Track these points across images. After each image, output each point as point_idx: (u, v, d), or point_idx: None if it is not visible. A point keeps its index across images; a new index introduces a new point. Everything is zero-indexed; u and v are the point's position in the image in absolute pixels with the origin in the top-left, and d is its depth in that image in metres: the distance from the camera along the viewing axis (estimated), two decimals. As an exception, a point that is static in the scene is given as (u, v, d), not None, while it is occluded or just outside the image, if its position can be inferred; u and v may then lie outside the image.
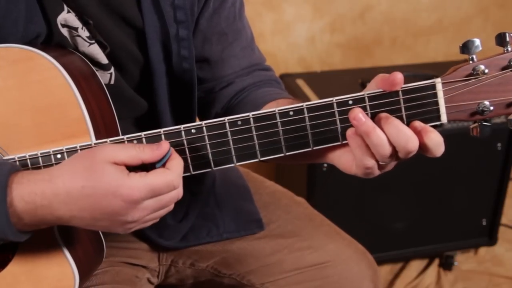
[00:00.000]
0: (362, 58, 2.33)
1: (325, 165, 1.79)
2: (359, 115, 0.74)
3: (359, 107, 0.76)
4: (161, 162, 0.76)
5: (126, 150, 0.75)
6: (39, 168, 0.81)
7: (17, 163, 0.82)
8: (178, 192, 0.77)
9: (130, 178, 0.73)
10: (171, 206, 0.79)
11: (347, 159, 0.80)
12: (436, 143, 0.74)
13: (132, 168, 0.75)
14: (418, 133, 0.75)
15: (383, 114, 0.76)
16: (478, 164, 1.93)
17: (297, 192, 1.23)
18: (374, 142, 0.74)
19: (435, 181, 1.92)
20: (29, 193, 0.74)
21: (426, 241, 2.02)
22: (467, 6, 2.38)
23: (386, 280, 2.02)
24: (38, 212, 0.74)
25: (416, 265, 2.09)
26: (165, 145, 0.76)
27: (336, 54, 2.30)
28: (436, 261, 2.10)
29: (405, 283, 2.01)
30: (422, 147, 0.75)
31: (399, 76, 0.74)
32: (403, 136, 0.73)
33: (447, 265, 2.06)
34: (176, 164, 0.76)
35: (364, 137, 0.75)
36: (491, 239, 2.07)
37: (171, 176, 0.75)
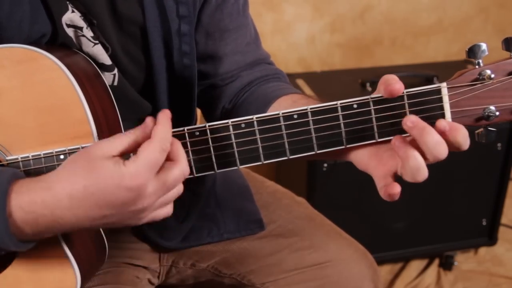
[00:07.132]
0: (362, 58, 2.33)
1: (325, 165, 1.79)
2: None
3: (364, 110, 0.76)
4: None
5: (120, 139, 0.73)
6: (41, 168, 0.81)
7: (20, 163, 0.82)
8: (182, 169, 0.74)
9: (127, 166, 0.71)
10: (180, 188, 0.76)
11: (363, 155, 0.80)
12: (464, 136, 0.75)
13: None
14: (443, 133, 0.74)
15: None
16: (478, 164, 1.93)
17: (297, 192, 1.23)
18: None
19: (435, 181, 1.91)
20: (29, 203, 0.72)
21: (426, 241, 2.02)
22: (467, 6, 2.38)
23: (386, 280, 2.02)
24: (39, 222, 0.72)
25: (416, 265, 2.09)
26: (148, 121, 0.74)
27: (336, 54, 2.30)
28: (436, 261, 2.10)
29: (405, 283, 2.01)
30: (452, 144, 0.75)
31: (397, 86, 0.73)
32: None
33: (447, 265, 2.07)
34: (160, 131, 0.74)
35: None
36: (491, 239, 2.07)
37: (159, 142, 0.72)
